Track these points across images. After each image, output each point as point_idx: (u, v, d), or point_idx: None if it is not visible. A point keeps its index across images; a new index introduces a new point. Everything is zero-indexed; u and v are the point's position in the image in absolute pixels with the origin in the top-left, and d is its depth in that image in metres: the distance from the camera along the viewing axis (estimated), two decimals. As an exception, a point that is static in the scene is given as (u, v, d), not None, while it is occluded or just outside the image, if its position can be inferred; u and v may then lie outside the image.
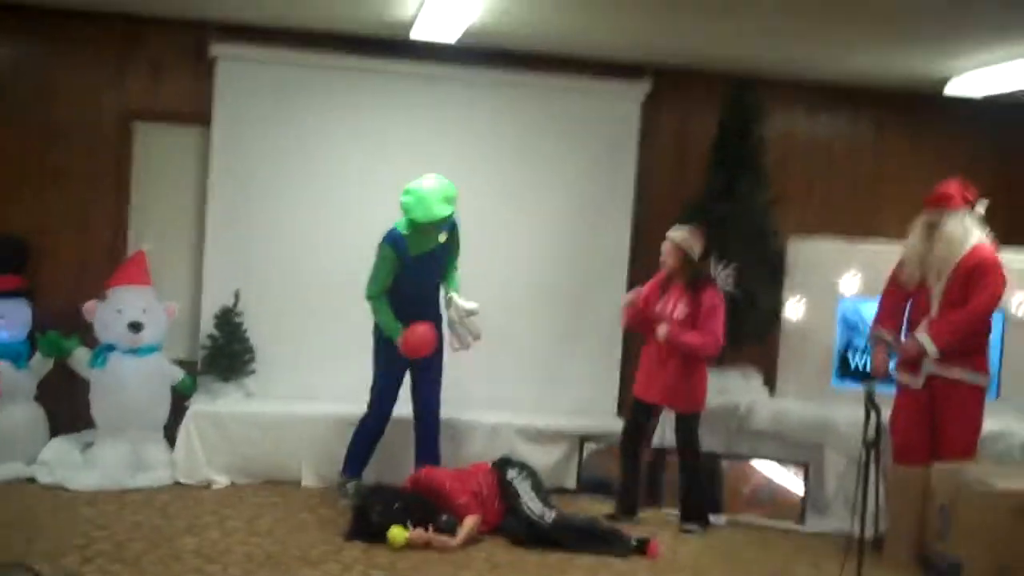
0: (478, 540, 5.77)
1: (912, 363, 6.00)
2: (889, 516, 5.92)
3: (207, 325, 7.15)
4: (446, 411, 6.57)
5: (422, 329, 6.22)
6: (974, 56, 6.71)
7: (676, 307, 6.28)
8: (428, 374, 6.46)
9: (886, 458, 5.76)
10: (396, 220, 6.22)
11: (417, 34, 6.82)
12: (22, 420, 6.71)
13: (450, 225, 6.36)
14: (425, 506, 5.76)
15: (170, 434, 6.82)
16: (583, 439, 7.00)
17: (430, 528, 5.65)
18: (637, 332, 6.66)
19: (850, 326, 7.02)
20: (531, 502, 5.89)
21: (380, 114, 7.39)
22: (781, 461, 6.69)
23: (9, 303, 6.82)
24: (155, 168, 7.41)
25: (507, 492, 5.95)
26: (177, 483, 6.61)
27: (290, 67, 7.32)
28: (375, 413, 6.42)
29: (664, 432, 6.64)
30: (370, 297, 6.31)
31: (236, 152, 7.26)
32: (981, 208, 6.00)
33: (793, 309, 7.08)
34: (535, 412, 7.18)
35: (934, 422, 5.99)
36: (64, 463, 6.53)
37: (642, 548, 5.75)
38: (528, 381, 7.35)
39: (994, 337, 6.23)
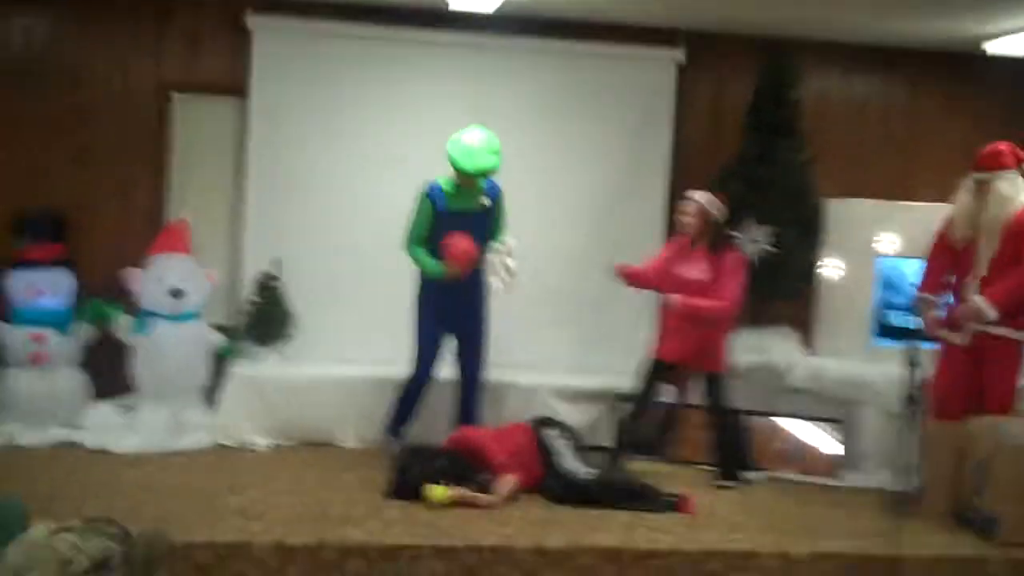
0: (516, 499, 5.81)
1: (958, 322, 6.00)
2: (926, 471, 5.92)
3: (247, 291, 7.23)
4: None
5: (459, 240, 6.24)
6: (1012, 17, 6.66)
7: (697, 269, 6.30)
8: (471, 340, 6.53)
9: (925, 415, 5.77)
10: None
11: (456, 4, 6.84)
12: (66, 386, 6.85)
13: (494, 191, 6.41)
14: (464, 465, 5.82)
15: (210, 398, 6.93)
16: (619, 398, 7.03)
17: (470, 487, 5.71)
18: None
19: (889, 285, 7.01)
20: (569, 461, 5.95)
21: (416, 84, 7.44)
22: (817, 418, 6.70)
23: (52, 272, 6.94)
24: (193, 139, 7.50)
25: (545, 451, 6.01)
26: (218, 445, 6.70)
27: (327, 38, 7.38)
28: (419, 374, 6.48)
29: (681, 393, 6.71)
30: (408, 244, 6.37)
31: (274, 123, 7.33)
32: None
33: (831, 269, 7.08)
34: (571, 373, 7.22)
35: (976, 379, 6.01)
36: (107, 427, 6.66)
37: (679, 504, 5.79)
38: (564, 343, 7.41)
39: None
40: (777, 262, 6.95)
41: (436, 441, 6.32)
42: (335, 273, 7.32)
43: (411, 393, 6.51)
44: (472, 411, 6.61)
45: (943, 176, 7.52)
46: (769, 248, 6.94)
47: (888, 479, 6.28)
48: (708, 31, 7.67)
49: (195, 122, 7.50)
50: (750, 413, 6.80)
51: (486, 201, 6.41)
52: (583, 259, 7.47)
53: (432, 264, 6.32)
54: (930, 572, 5.20)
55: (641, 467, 6.50)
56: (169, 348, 6.74)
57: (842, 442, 6.64)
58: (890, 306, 7.02)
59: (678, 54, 7.69)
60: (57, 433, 6.60)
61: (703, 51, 7.74)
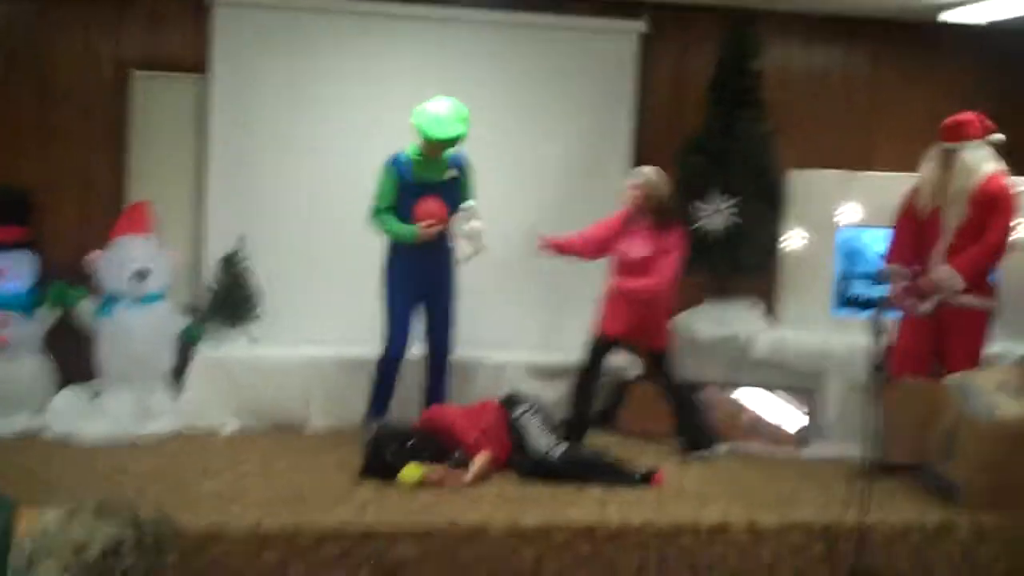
0: (489, 476, 5.85)
1: (923, 291, 6.08)
2: (890, 436, 5.98)
3: (210, 272, 7.18)
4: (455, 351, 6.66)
5: (428, 202, 6.25)
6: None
7: (640, 246, 6.34)
8: (440, 314, 6.53)
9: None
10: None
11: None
12: (30, 371, 6.75)
13: (460, 161, 6.42)
14: (436, 444, 5.85)
15: (176, 381, 6.89)
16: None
17: (443, 466, 5.73)
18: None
19: (850, 255, 7.08)
20: (539, 437, 5.97)
21: (379, 58, 7.37)
22: (780, 389, 6.78)
23: (14, 254, 6.82)
24: (155, 117, 7.36)
25: (516, 428, 6.03)
26: (186, 429, 6.66)
27: (288, 13, 7.29)
28: (391, 352, 6.46)
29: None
30: (375, 213, 6.34)
31: (237, 99, 7.24)
32: (998, 138, 6.06)
33: (793, 240, 7.14)
34: (540, 349, 7.25)
35: (938, 348, 6.11)
36: (73, 413, 6.56)
37: (648, 478, 5.84)
38: (532, 319, 7.41)
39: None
40: (740, 234, 7.00)
41: (406, 420, 6.35)
42: (302, 251, 7.28)
43: (387, 373, 6.49)
44: (442, 389, 6.61)
45: (903, 145, 7.64)
46: (732, 220, 6.99)
47: (851, 450, 6.41)
48: (671, 2, 7.66)
49: (156, 100, 7.36)
50: (715, 385, 6.88)
51: (452, 172, 6.40)
52: (549, 233, 7.47)
53: (403, 228, 6.29)
54: (900, 539, 5.30)
55: (593, 440, 6.55)
56: (134, 331, 6.67)
57: (807, 413, 6.72)
58: (852, 276, 7.10)
59: (640, 25, 7.68)
60: (21, 420, 6.52)
61: (666, 22, 7.74)
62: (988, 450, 5.58)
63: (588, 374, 6.55)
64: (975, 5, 7.06)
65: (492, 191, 6.93)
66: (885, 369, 5.24)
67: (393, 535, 5.01)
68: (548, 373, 7.08)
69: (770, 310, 7.28)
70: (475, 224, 6.35)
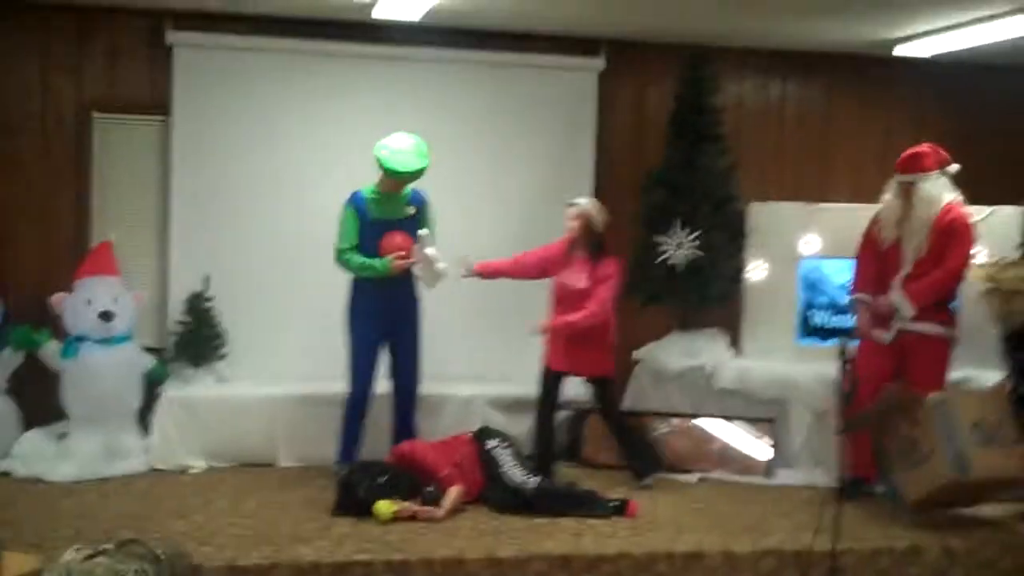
0: (462, 510, 5.86)
1: (883, 319, 6.20)
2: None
3: (175, 312, 7.16)
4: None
5: (394, 235, 6.30)
6: (920, 19, 6.91)
7: (578, 276, 6.40)
8: (406, 350, 6.54)
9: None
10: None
11: (380, 12, 6.86)
12: (-6, 414, 6.69)
13: (418, 199, 6.47)
14: (409, 479, 5.85)
15: (143, 422, 6.84)
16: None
17: (416, 501, 5.74)
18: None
19: (811, 285, 7.20)
20: (512, 470, 6.00)
21: (341, 97, 7.44)
22: (748, 419, 6.86)
23: (-26, 298, 6.79)
24: (116, 158, 7.37)
25: (489, 462, 6.05)
26: (153, 469, 6.63)
27: (249, 53, 7.34)
28: (357, 392, 6.46)
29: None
30: (340, 252, 6.35)
31: (198, 140, 7.26)
32: (953, 169, 6.22)
33: (755, 271, 7.24)
34: (506, 382, 7.26)
35: (900, 373, 6.22)
36: (39, 455, 6.51)
37: (622, 509, 5.88)
38: (498, 353, 7.43)
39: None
40: (704, 266, 7.09)
41: (377, 455, 6.35)
42: (266, 290, 7.28)
43: (354, 414, 6.48)
44: (411, 424, 6.62)
45: (858, 177, 7.83)
46: (695, 252, 7.08)
47: (817, 477, 6.52)
48: (628, 39, 7.80)
49: (117, 141, 7.37)
50: (683, 415, 6.95)
51: (410, 209, 6.45)
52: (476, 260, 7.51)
53: (375, 262, 6.30)
54: (869, 563, 5.37)
55: (559, 473, 6.61)
56: (100, 372, 6.62)
57: (773, 441, 6.80)
58: (813, 306, 7.21)
59: (599, 62, 7.81)
60: (-15, 463, 6.46)
61: (624, 59, 7.88)
62: (945, 490, 5.71)
63: (543, 407, 6.62)
64: (926, 39, 7.24)
65: (454, 226, 6.97)
66: (853, 396, 5.30)
67: (370, 569, 5.01)
68: (515, 406, 7.10)
69: (735, 340, 7.36)
70: (429, 251, 6.38)
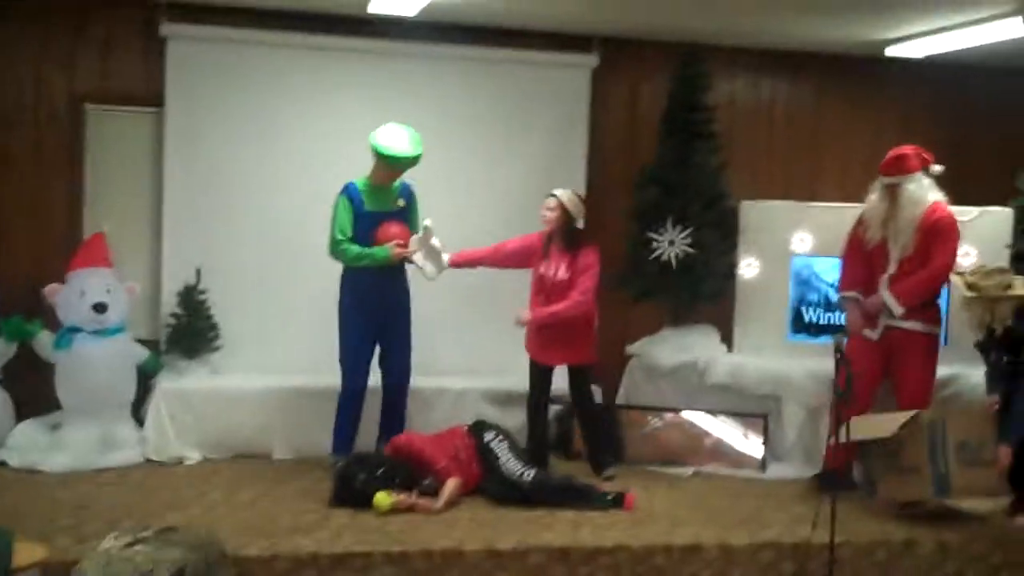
0: (459, 502, 5.88)
1: (871, 317, 6.27)
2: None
3: (168, 304, 7.15)
4: (413, 379, 6.68)
5: (390, 224, 6.35)
6: (912, 21, 6.99)
7: (558, 270, 6.45)
8: (397, 343, 6.55)
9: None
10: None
11: (375, 7, 6.87)
12: (-13, 405, 6.66)
13: (407, 192, 6.49)
14: (407, 471, 5.87)
15: (137, 413, 6.84)
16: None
17: (414, 492, 5.75)
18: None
19: (802, 282, 7.25)
20: (510, 463, 6.03)
21: (335, 91, 7.44)
22: (741, 414, 6.91)
23: (-31, 289, 6.76)
24: (109, 150, 7.36)
25: (486, 454, 6.08)
26: (148, 461, 6.62)
27: (242, 46, 7.33)
28: (351, 385, 6.47)
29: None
30: (336, 243, 6.34)
31: (191, 132, 7.26)
32: (937, 169, 6.29)
33: (747, 268, 7.29)
34: (499, 376, 7.28)
35: (885, 373, 6.30)
36: (33, 446, 6.49)
37: (619, 502, 5.92)
38: (491, 346, 7.43)
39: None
40: (697, 263, 7.14)
41: (373, 448, 6.37)
42: (260, 281, 7.29)
43: (348, 406, 6.49)
44: (400, 416, 6.63)
45: (847, 175, 7.89)
46: (686, 249, 7.13)
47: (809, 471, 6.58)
48: (621, 37, 7.84)
49: (111, 133, 7.36)
50: (676, 410, 6.99)
51: (401, 202, 6.48)
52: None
53: (375, 251, 6.33)
54: (866, 556, 5.44)
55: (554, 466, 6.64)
56: (93, 364, 6.61)
57: (765, 436, 6.85)
58: (805, 303, 7.26)
59: (592, 59, 7.84)
60: (-21, 454, 6.44)
61: (618, 56, 7.92)
62: (921, 503, 5.80)
63: (533, 400, 6.67)
64: (917, 40, 7.32)
65: (447, 221, 6.96)
66: (849, 393, 5.34)
67: (369, 560, 5.03)
68: (506, 399, 7.14)
69: (726, 337, 7.41)
70: (435, 242, 6.41)
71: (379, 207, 6.41)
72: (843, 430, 5.30)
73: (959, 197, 6.55)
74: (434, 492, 5.80)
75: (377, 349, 6.58)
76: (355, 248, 6.33)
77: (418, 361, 6.71)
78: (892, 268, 6.28)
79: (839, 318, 6.92)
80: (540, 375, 6.64)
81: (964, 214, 6.72)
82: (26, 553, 3.87)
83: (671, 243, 7.17)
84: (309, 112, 7.41)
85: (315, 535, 5.25)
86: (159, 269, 7.27)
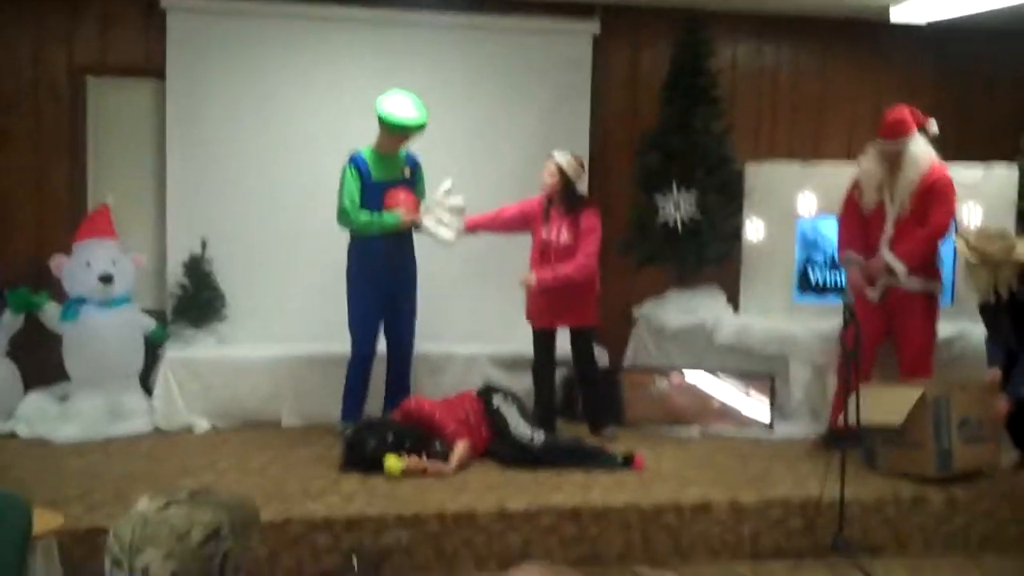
0: (469, 465, 5.90)
1: (871, 278, 6.31)
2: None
3: (174, 274, 7.16)
4: (421, 345, 6.71)
5: (399, 190, 6.37)
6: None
7: (560, 234, 6.46)
8: (403, 309, 6.56)
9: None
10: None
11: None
12: (-3, 376, 6.68)
13: (413, 161, 6.49)
14: (417, 435, 5.89)
15: (146, 383, 6.86)
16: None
17: (424, 456, 5.78)
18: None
19: (808, 243, 7.25)
20: (520, 426, 6.05)
21: (336, 61, 7.42)
22: (748, 374, 6.93)
23: (-25, 261, 6.77)
24: (111, 122, 7.37)
25: (495, 418, 6.10)
26: (157, 430, 6.65)
27: (242, 16, 7.31)
28: (360, 352, 6.48)
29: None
30: (345, 212, 6.32)
31: (192, 103, 7.24)
32: (933, 128, 6.28)
33: (753, 230, 7.28)
34: (507, 341, 7.28)
35: (886, 333, 6.31)
36: (42, 417, 6.54)
37: (628, 462, 5.94)
38: (499, 311, 7.41)
39: (947, 247, 6.55)
40: (702, 226, 7.14)
41: (381, 413, 6.39)
42: (265, 251, 7.29)
43: (357, 373, 6.51)
44: (404, 383, 6.66)
45: (850, 137, 7.88)
46: (691, 213, 7.12)
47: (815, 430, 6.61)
48: (623, 3, 7.80)
49: (112, 105, 7.36)
50: (682, 371, 7.01)
51: (407, 171, 6.48)
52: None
53: (385, 217, 6.33)
54: (875, 512, 5.46)
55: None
56: (100, 334, 6.63)
57: (772, 396, 6.87)
58: (810, 263, 7.26)
59: (593, 26, 7.81)
60: (-11, 425, 6.46)
61: (619, 23, 7.88)
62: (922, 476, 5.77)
63: (539, 364, 6.70)
64: (921, 4, 7.26)
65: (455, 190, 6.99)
66: (858, 352, 5.35)
67: (383, 522, 5.05)
68: (514, 364, 7.14)
69: (732, 299, 7.41)
70: (458, 200, 6.44)
71: (386, 176, 6.40)
72: (852, 402, 5.31)
73: (957, 155, 6.53)
74: (444, 456, 5.82)
75: (384, 315, 6.58)
76: (364, 215, 6.33)
77: (427, 327, 6.74)
78: (890, 230, 6.29)
79: (844, 279, 6.92)
80: (543, 340, 6.65)
81: (969, 176, 6.71)
82: (43, 520, 3.89)
83: (676, 207, 7.16)
84: (311, 82, 7.39)
85: (326, 499, 5.27)
86: (164, 240, 7.27)
